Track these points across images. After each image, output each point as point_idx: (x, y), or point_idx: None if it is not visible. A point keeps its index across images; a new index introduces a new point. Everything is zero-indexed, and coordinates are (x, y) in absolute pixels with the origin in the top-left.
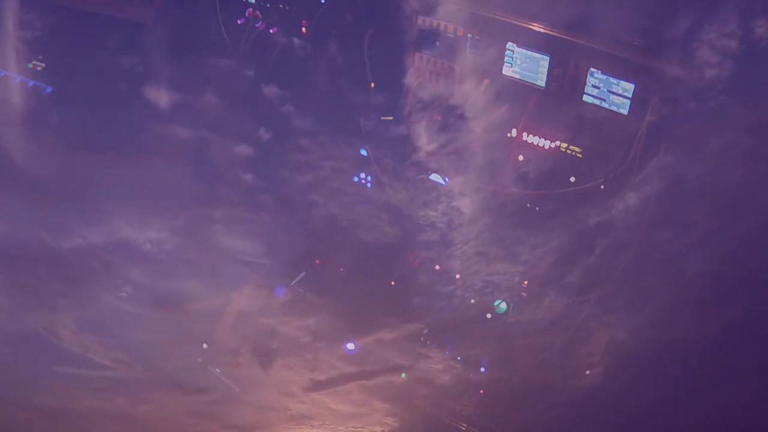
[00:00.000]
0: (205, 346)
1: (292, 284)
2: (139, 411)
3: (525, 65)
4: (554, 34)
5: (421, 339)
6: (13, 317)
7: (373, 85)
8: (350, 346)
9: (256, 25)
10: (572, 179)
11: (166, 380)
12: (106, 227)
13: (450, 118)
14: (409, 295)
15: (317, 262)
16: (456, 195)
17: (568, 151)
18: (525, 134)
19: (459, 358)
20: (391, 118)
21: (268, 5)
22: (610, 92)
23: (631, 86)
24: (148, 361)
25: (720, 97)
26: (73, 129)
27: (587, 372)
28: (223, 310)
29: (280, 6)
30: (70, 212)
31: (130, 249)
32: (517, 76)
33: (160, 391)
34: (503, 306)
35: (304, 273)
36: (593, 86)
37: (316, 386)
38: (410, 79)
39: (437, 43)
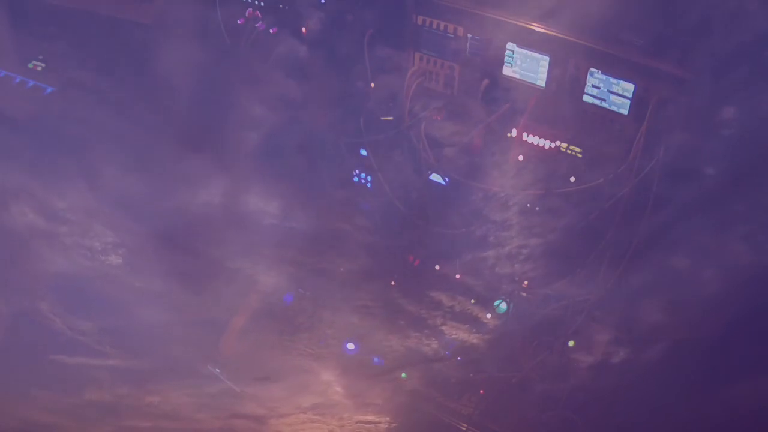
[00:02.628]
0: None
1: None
2: (143, 403)
3: (525, 65)
4: (554, 34)
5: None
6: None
7: (372, 85)
8: (350, 346)
9: (256, 25)
10: (572, 179)
11: (174, 369)
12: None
13: (449, 118)
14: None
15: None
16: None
17: (568, 151)
18: (525, 134)
19: (459, 358)
20: (391, 118)
21: (268, 5)
22: (610, 92)
23: (631, 86)
24: (153, 347)
25: None
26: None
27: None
28: (242, 284)
29: (280, 6)
30: (59, 160)
31: (129, 202)
32: (517, 76)
33: (166, 381)
34: (503, 306)
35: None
36: (593, 86)
37: (334, 376)
38: (410, 79)
39: (437, 43)
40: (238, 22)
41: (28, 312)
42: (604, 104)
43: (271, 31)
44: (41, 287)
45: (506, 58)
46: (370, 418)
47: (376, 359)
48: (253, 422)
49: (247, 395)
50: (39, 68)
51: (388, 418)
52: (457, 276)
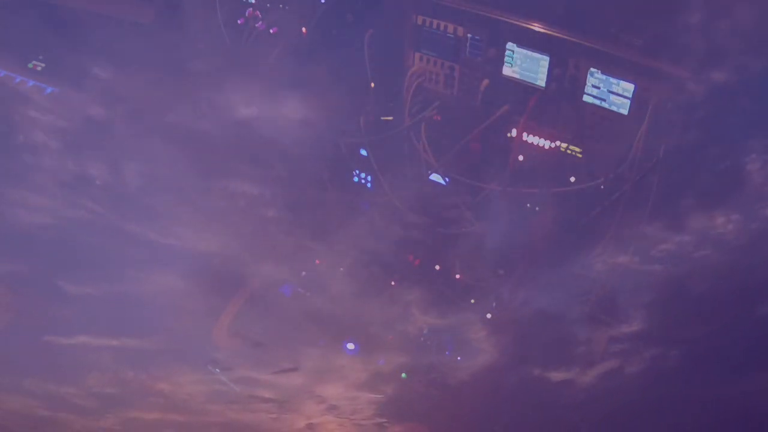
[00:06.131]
0: (217, 370)
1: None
2: (150, 391)
3: (525, 65)
4: (554, 34)
5: None
6: None
7: (372, 85)
8: (350, 346)
9: (256, 25)
10: (572, 179)
11: (185, 350)
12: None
13: (450, 118)
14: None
15: None
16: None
17: (568, 151)
18: (525, 134)
19: (459, 358)
20: (391, 118)
21: (268, 5)
22: (610, 92)
23: (631, 86)
24: (161, 323)
25: None
26: None
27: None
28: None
29: (280, 6)
30: None
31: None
32: (517, 76)
33: (175, 365)
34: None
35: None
36: (593, 86)
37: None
38: (410, 79)
39: (437, 43)
40: (238, 22)
41: (10, 278)
42: (604, 104)
43: (271, 31)
44: (22, 245)
45: (506, 58)
46: (382, 412)
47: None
48: (267, 415)
49: (264, 382)
50: (39, 68)
51: (392, 416)
52: (457, 276)
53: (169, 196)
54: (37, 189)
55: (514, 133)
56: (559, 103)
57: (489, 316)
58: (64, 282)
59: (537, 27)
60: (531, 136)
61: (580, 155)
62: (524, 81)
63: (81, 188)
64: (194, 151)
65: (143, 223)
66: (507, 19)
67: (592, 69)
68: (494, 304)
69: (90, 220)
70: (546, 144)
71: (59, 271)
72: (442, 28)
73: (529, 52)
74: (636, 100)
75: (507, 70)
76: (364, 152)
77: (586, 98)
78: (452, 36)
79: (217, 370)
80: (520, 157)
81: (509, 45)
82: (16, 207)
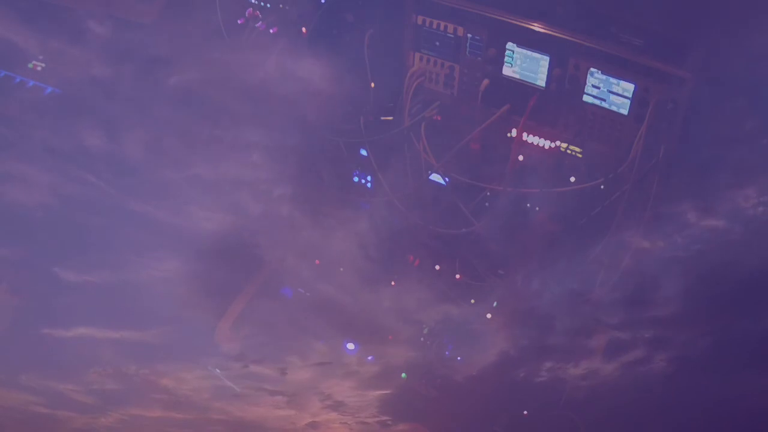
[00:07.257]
0: (218, 371)
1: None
2: (153, 387)
3: (525, 65)
4: (554, 34)
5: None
6: None
7: (373, 85)
8: (350, 346)
9: (256, 25)
10: (572, 179)
11: (191, 344)
12: None
13: (450, 118)
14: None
15: None
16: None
17: (568, 151)
18: (525, 134)
19: (459, 358)
20: (391, 118)
21: (268, 5)
22: (610, 92)
23: (631, 86)
24: (166, 313)
25: None
26: None
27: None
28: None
29: (280, 6)
30: None
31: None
32: (517, 76)
33: (180, 360)
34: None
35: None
36: (593, 86)
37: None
38: (410, 79)
39: (437, 43)
40: (238, 22)
41: (1, 265)
42: (604, 104)
43: (271, 31)
44: (14, 227)
45: (506, 58)
46: (385, 410)
47: (370, 358)
48: (272, 412)
49: (270, 378)
50: (39, 68)
51: (396, 414)
52: (457, 276)
53: (178, 172)
54: (30, 162)
55: (514, 133)
56: (559, 103)
57: (489, 316)
58: (60, 268)
59: (537, 27)
60: (531, 136)
61: (580, 155)
62: (524, 81)
63: (80, 161)
64: (203, 128)
65: (149, 201)
66: (507, 19)
67: (592, 69)
68: (495, 304)
69: (90, 197)
70: (546, 144)
71: (55, 257)
72: (442, 28)
73: (529, 52)
74: (636, 100)
75: (507, 70)
76: (364, 152)
77: (586, 98)
78: (452, 36)
79: (217, 370)
80: (520, 157)
81: (509, 45)
82: (6, 182)
